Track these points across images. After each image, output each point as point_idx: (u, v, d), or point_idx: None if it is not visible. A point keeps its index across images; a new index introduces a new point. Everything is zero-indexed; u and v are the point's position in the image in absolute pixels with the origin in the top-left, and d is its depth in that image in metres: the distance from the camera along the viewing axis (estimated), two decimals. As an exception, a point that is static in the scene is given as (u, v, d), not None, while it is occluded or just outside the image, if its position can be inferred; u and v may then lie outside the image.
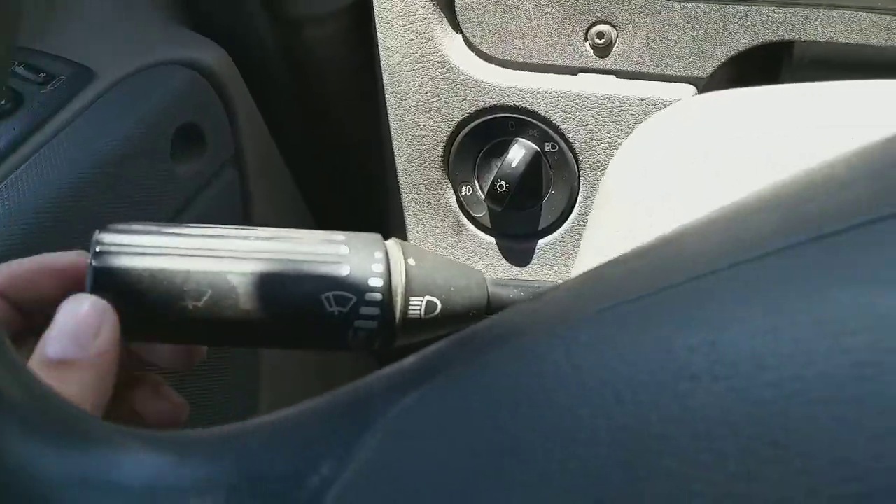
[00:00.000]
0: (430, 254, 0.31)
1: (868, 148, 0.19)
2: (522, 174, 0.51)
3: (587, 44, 0.48)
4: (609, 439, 0.14)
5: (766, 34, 0.44)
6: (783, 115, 0.34)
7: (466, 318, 0.32)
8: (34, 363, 0.23)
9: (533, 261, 0.55)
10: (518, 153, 0.51)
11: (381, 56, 0.53)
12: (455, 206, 0.56)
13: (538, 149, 0.51)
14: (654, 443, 0.13)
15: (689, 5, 0.45)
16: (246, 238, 0.28)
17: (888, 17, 0.43)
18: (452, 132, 0.53)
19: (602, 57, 0.48)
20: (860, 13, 0.42)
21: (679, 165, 0.33)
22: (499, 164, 0.52)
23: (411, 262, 0.30)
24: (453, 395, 0.17)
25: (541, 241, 0.54)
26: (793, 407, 0.13)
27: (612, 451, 0.14)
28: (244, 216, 0.54)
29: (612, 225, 0.33)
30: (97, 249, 0.26)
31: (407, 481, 0.16)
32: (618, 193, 0.34)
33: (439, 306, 0.30)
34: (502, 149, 0.52)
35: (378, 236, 0.30)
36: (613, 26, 0.47)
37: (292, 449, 0.17)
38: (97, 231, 0.27)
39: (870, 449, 0.12)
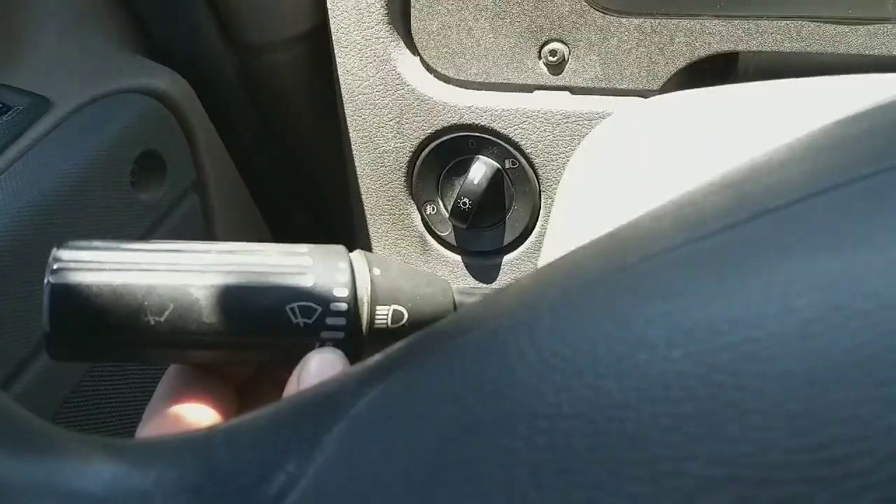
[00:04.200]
0: (395, 263, 0.32)
1: (809, 133, 0.20)
2: (485, 191, 0.51)
3: (541, 62, 0.50)
4: (572, 412, 0.14)
5: (712, 46, 0.46)
6: (725, 114, 0.35)
7: (433, 327, 0.32)
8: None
9: (499, 277, 0.55)
10: (479, 170, 0.52)
11: (340, 80, 0.54)
12: (420, 226, 0.56)
13: (499, 166, 0.52)
14: (616, 411, 0.14)
15: (637, 21, 0.47)
16: (207, 252, 0.28)
17: (827, 25, 0.44)
18: (414, 152, 0.54)
19: (556, 74, 0.50)
20: (801, 22, 0.44)
21: (631, 167, 0.33)
22: (461, 183, 0.52)
23: (376, 271, 0.30)
24: (416, 385, 0.17)
25: (506, 257, 0.55)
26: (746, 367, 0.13)
27: (576, 423, 0.14)
28: (207, 241, 0.54)
29: (571, 228, 0.33)
30: (54, 266, 0.26)
31: (373, 470, 0.16)
32: (575, 197, 0.35)
33: (406, 315, 0.30)
34: (464, 167, 0.53)
35: (342, 247, 0.30)
36: (565, 44, 0.49)
37: (257, 447, 0.17)
38: (54, 248, 0.26)
39: (821, 402, 0.12)
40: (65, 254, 0.26)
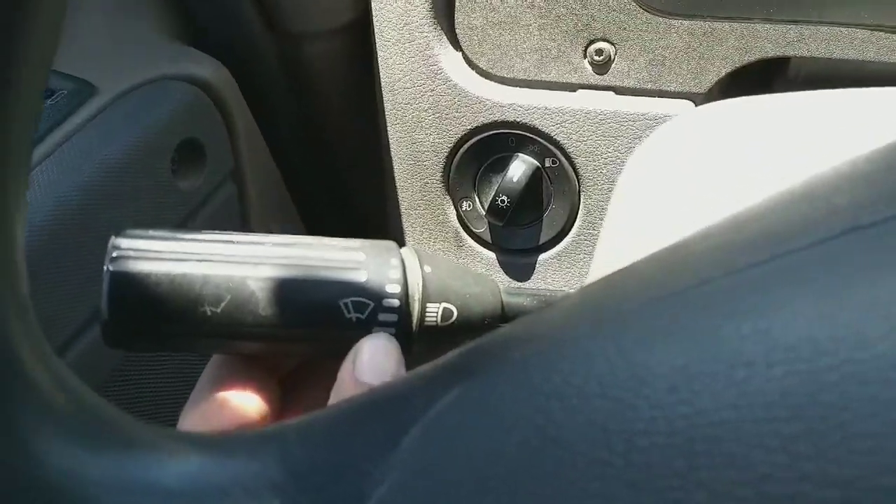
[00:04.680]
0: (445, 261, 0.31)
1: (889, 146, 0.20)
2: (523, 189, 0.51)
3: (586, 61, 0.49)
4: (668, 429, 0.14)
5: (764, 50, 0.45)
6: (787, 122, 0.35)
7: (481, 327, 0.32)
8: (348, 380, 0.25)
9: (533, 276, 0.55)
10: (519, 168, 0.51)
11: (380, 73, 0.53)
12: (455, 222, 0.56)
13: (538, 164, 0.52)
14: (715, 430, 0.13)
15: (686, 23, 0.46)
16: (263, 244, 0.28)
17: (882, 34, 0.44)
18: (452, 148, 0.53)
19: (601, 74, 0.49)
20: (856, 29, 0.44)
21: (691, 173, 0.33)
22: (499, 180, 0.52)
23: (427, 268, 0.30)
24: (496, 390, 0.17)
25: (541, 256, 0.54)
26: (854, 389, 0.13)
27: (673, 440, 0.14)
28: (243, 231, 0.54)
29: (628, 230, 0.33)
30: (114, 254, 0.26)
31: (455, 477, 0.15)
32: (633, 200, 0.34)
33: (455, 313, 0.30)
34: (502, 164, 0.53)
35: (393, 244, 0.30)
36: (612, 44, 0.48)
37: (332, 447, 0.17)
38: (113, 236, 0.26)
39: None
40: (124, 242, 0.26)
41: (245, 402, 0.27)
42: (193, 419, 0.26)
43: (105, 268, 0.25)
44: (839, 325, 0.14)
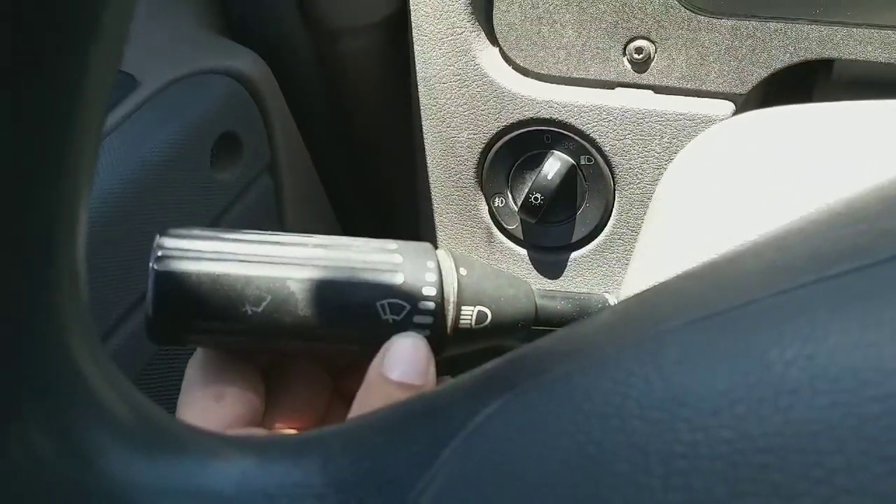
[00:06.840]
0: (480, 263, 0.32)
1: None
2: (558, 186, 0.51)
3: (625, 59, 0.49)
4: (710, 453, 0.14)
5: (808, 52, 0.44)
6: (829, 133, 0.34)
7: (515, 329, 0.32)
8: (375, 378, 0.25)
9: (565, 273, 0.55)
10: (554, 166, 0.51)
11: (417, 68, 0.53)
12: (487, 218, 0.56)
13: (574, 162, 0.52)
14: (758, 456, 0.13)
15: (730, 22, 0.45)
16: (304, 245, 0.28)
17: (931, 37, 0.43)
18: (487, 144, 0.53)
19: (640, 72, 0.49)
20: (903, 32, 0.43)
21: (730, 183, 0.33)
22: (533, 177, 0.52)
23: (462, 271, 0.30)
24: (538, 405, 0.17)
25: (573, 254, 0.54)
26: (899, 423, 0.13)
27: (715, 465, 0.14)
28: (278, 223, 0.54)
29: (667, 239, 0.33)
30: (159, 254, 0.26)
31: (494, 491, 0.16)
32: (671, 209, 0.34)
33: (489, 316, 0.31)
34: (536, 161, 0.52)
35: (429, 246, 0.30)
36: (652, 42, 0.48)
37: (375, 458, 0.17)
38: (158, 235, 0.27)
39: None
40: (168, 241, 0.27)
41: (242, 398, 0.27)
42: (192, 417, 0.27)
43: (150, 266, 0.26)
44: (884, 356, 0.14)
